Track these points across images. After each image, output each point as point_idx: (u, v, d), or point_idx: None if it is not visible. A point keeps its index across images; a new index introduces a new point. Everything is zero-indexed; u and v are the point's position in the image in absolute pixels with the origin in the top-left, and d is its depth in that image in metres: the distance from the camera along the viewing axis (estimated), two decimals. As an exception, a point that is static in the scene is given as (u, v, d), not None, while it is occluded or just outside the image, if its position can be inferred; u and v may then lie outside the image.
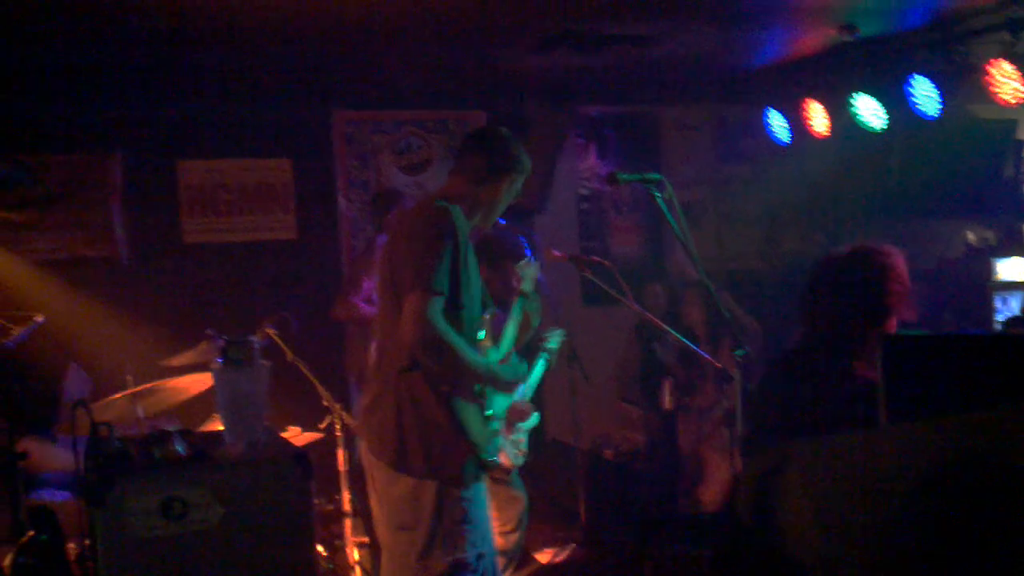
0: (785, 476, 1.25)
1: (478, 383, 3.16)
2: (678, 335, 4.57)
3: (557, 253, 4.80)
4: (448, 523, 3.05)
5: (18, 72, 5.38)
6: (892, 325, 2.76)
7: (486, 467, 3.15)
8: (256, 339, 3.07)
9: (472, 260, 3.15)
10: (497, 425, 3.27)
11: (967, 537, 1.12)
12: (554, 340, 4.75)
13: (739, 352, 4.01)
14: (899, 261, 2.81)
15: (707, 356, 4.68)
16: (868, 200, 6.51)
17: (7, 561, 3.22)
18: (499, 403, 3.29)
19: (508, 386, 3.31)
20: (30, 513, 3.43)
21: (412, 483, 3.05)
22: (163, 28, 4.61)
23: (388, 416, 3.07)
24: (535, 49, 5.32)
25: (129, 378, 4.67)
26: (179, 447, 2.80)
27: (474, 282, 3.17)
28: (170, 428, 2.89)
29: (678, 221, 3.63)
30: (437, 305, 2.95)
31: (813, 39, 5.43)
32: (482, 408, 3.17)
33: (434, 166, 6.90)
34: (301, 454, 2.78)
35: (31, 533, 3.26)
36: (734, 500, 1.31)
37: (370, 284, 5.53)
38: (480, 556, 3.12)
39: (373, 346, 3.30)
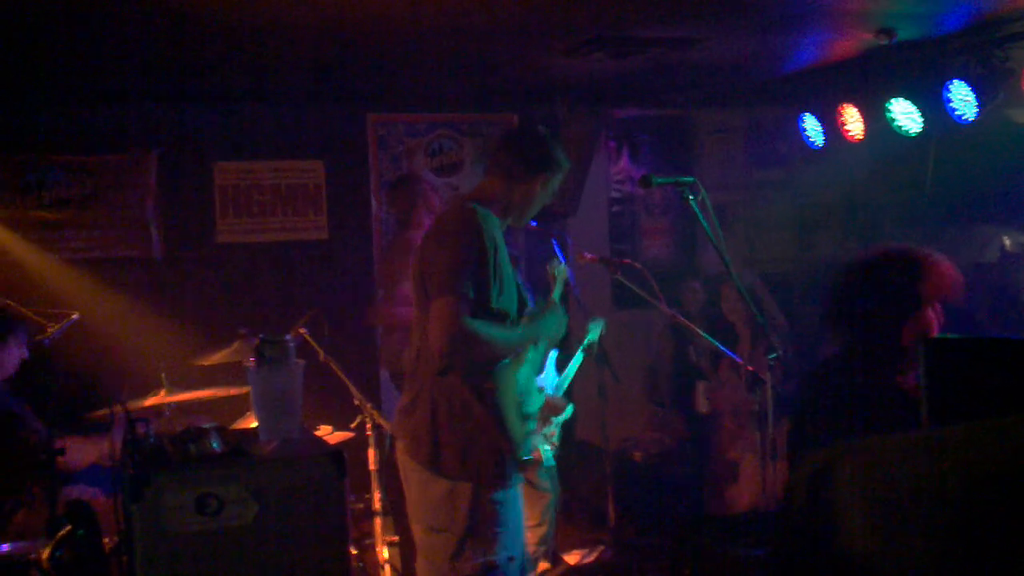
0: (836, 475, 1.25)
1: (524, 350, 3.16)
2: (709, 337, 4.57)
3: (588, 255, 4.80)
4: (480, 525, 3.05)
5: (57, 73, 5.45)
6: (925, 324, 2.71)
7: (522, 467, 3.15)
8: (291, 338, 3.09)
9: (505, 260, 3.13)
10: (533, 424, 3.28)
11: (1016, 543, 1.11)
12: (595, 331, 4.74)
13: (771, 355, 4.00)
14: (940, 263, 2.76)
15: (739, 359, 4.67)
16: (902, 205, 6.46)
17: (45, 554, 3.26)
18: (535, 401, 3.29)
19: (555, 336, 3.32)
20: (67, 508, 3.47)
21: (447, 485, 3.06)
22: (199, 31, 4.65)
23: (423, 418, 3.08)
24: (569, 53, 5.32)
25: (163, 376, 4.72)
26: (215, 444, 2.82)
27: (509, 283, 3.15)
28: (206, 425, 2.91)
29: (711, 224, 3.63)
30: (463, 309, 2.94)
31: (850, 43, 5.39)
32: (520, 407, 3.16)
33: (466, 168, 6.93)
34: (336, 452, 2.80)
35: (68, 527, 3.30)
36: (788, 498, 1.31)
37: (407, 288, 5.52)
38: (510, 559, 3.12)
39: (411, 347, 3.32)
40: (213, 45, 4.97)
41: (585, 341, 4.70)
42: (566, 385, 4.62)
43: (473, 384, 3.03)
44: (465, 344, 2.93)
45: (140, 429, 3.01)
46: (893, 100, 5.55)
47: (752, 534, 1.43)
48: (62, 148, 6.20)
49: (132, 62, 5.27)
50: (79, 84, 5.73)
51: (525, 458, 3.12)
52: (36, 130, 6.11)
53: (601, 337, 4.77)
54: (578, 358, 4.70)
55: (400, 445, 3.23)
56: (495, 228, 3.08)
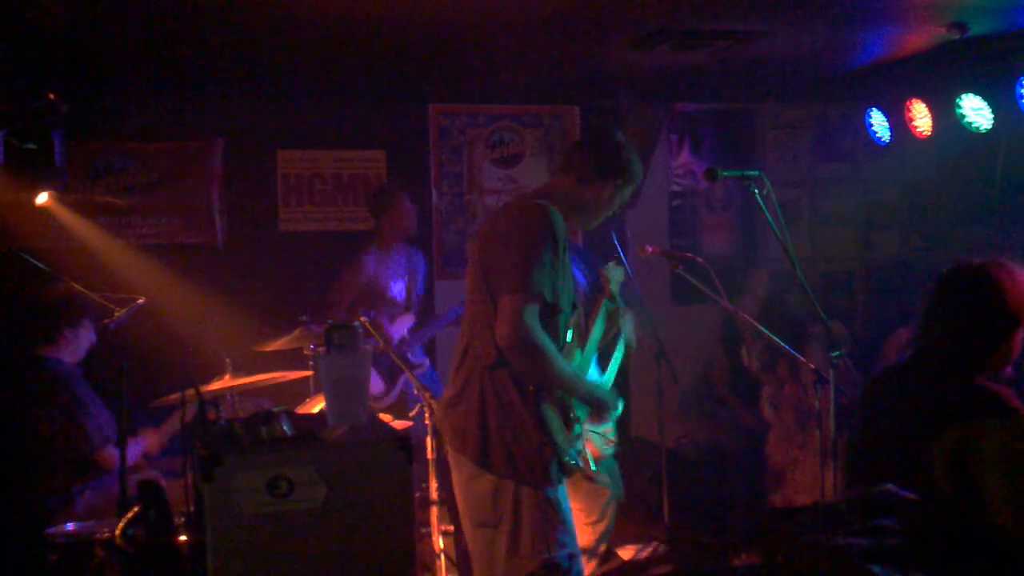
0: (980, 450, 1.25)
1: (562, 391, 3.14)
2: (769, 333, 4.52)
3: (650, 249, 4.77)
4: (531, 522, 3.05)
5: (127, 62, 5.55)
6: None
7: (567, 470, 3.14)
8: (359, 325, 3.12)
9: (567, 261, 3.13)
10: (580, 429, 3.26)
11: None
12: (625, 325, 4.71)
13: (835, 353, 3.95)
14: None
15: (801, 358, 4.62)
16: (970, 203, 6.35)
17: (116, 533, 3.33)
18: (583, 405, 3.29)
19: (587, 401, 3.26)
20: (138, 487, 3.53)
21: (493, 481, 3.07)
22: (265, 25, 4.71)
23: (471, 412, 3.10)
24: (634, 45, 5.30)
25: (228, 361, 4.79)
26: (286, 427, 2.86)
27: (567, 284, 3.16)
28: (276, 408, 2.95)
29: (776, 219, 3.60)
30: (534, 309, 2.95)
31: (921, 38, 5.30)
32: (567, 410, 3.16)
33: (526, 160, 6.93)
34: (403, 438, 2.81)
35: (139, 507, 3.36)
36: (933, 467, 1.31)
37: (342, 298, 5.68)
38: (572, 556, 3.12)
39: (460, 341, 3.33)
40: (281, 39, 5.03)
41: (621, 336, 4.68)
42: (611, 381, 4.60)
43: (520, 385, 3.04)
44: (529, 346, 2.95)
45: (211, 411, 3.06)
46: (963, 96, 5.46)
47: (844, 523, 1.42)
48: (129, 134, 6.31)
49: (197, 53, 5.34)
50: (146, 72, 5.82)
51: (572, 462, 3.12)
52: (105, 117, 6.22)
53: (634, 329, 4.74)
54: (619, 354, 4.68)
55: (447, 439, 3.25)
56: (564, 228, 3.07)
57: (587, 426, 3.38)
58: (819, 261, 6.94)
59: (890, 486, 1.43)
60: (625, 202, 3.41)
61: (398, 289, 5.81)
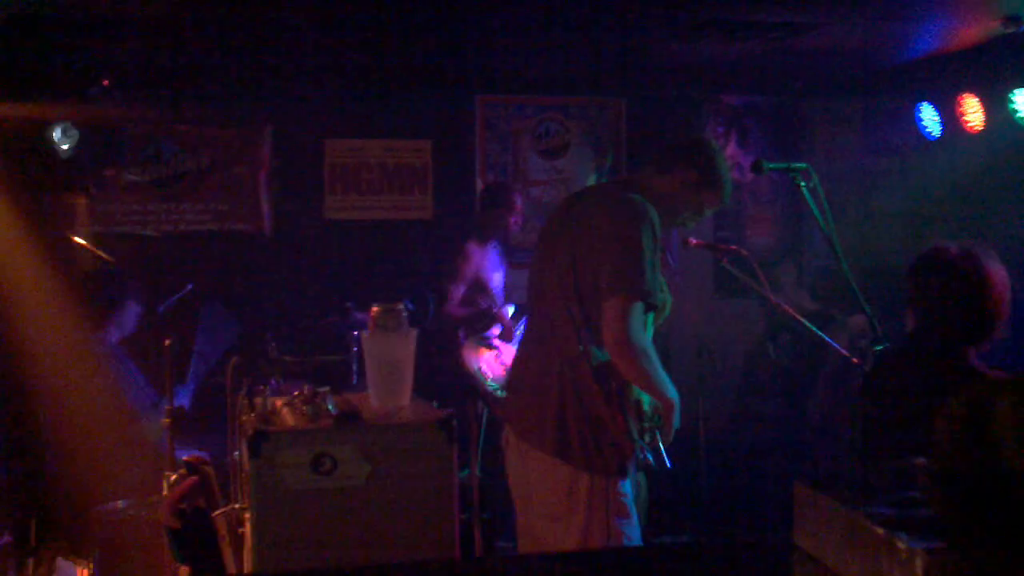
0: (995, 410, 1.25)
1: (649, 394, 3.13)
2: (813, 327, 4.49)
3: (694, 241, 4.75)
4: (603, 516, 3.06)
5: (179, 50, 5.63)
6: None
7: (641, 465, 3.15)
8: (404, 307, 3.15)
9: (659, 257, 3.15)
10: (655, 422, 3.24)
11: None
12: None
13: (877, 347, 3.92)
14: (998, 275, 2.79)
15: (840, 348, 4.58)
16: (1019, 201, 6.25)
17: (162, 511, 3.40)
18: (650, 400, 3.30)
19: (664, 406, 3.19)
20: (183, 465, 3.60)
21: (569, 474, 3.08)
22: (312, 17, 4.76)
23: (549, 405, 3.10)
24: (681, 36, 5.28)
25: (273, 345, 4.86)
26: (330, 406, 2.90)
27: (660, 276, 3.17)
28: (321, 388, 2.99)
29: (823, 212, 3.58)
30: (640, 308, 2.97)
31: (974, 31, 5.23)
32: (640, 406, 3.17)
33: (571, 151, 6.94)
34: (446, 419, 2.85)
35: (186, 484, 3.42)
36: (948, 420, 1.32)
37: (458, 290, 5.68)
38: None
39: (533, 332, 3.35)
40: (330, 28, 5.08)
41: None
42: None
43: (599, 379, 3.04)
44: (637, 351, 2.96)
45: (259, 389, 3.11)
46: (1016, 91, 5.39)
47: (871, 495, 1.44)
48: (180, 121, 6.40)
49: (247, 42, 5.41)
50: (198, 60, 5.90)
51: (646, 458, 3.11)
52: (156, 104, 6.32)
53: None
54: None
55: (516, 430, 3.25)
56: (659, 221, 3.07)
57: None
58: (867, 256, 6.86)
59: (922, 460, 1.43)
60: (715, 206, 3.37)
61: (498, 280, 5.86)
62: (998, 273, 2.80)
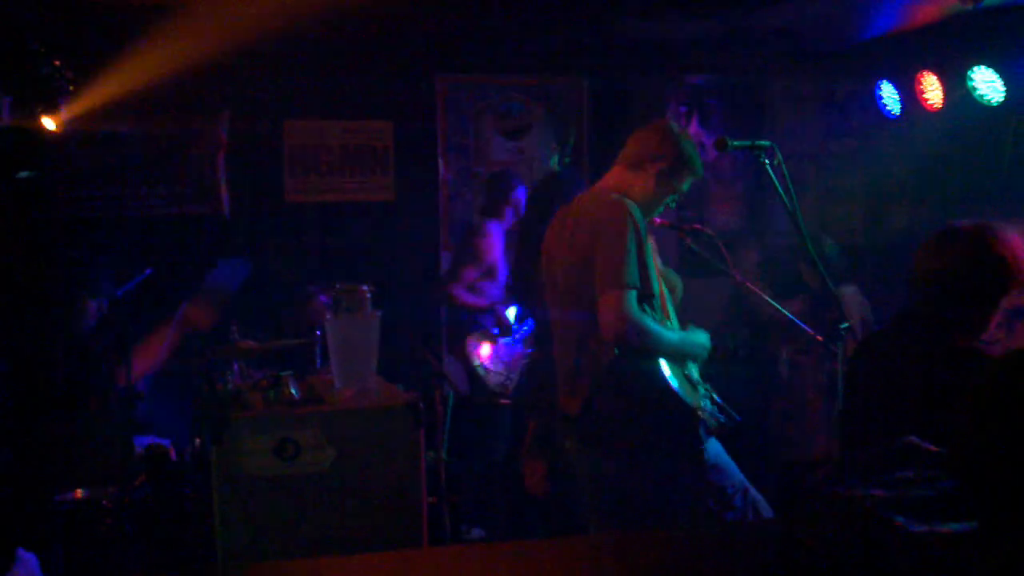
0: (1019, 381, 1.25)
1: (674, 359, 3.23)
2: (778, 306, 4.50)
3: (658, 220, 4.75)
4: (702, 486, 3.15)
5: (133, 31, 5.51)
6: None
7: (712, 430, 3.21)
8: (367, 288, 3.11)
9: (648, 246, 3.23)
10: (702, 389, 3.30)
11: None
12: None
13: (843, 326, 3.93)
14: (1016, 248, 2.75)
15: (810, 330, 4.60)
16: (979, 178, 6.31)
17: (123, 500, 3.34)
18: (694, 367, 3.37)
19: (696, 358, 3.37)
20: (144, 453, 3.54)
21: (651, 468, 3.12)
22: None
23: (611, 414, 3.15)
24: (642, 14, 5.26)
25: (234, 329, 4.80)
26: (293, 390, 2.86)
27: (651, 266, 3.25)
28: (283, 372, 2.95)
29: (787, 190, 3.58)
30: (632, 299, 3.07)
31: (933, 8, 5.26)
32: (686, 374, 3.25)
33: (534, 131, 6.89)
34: (413, 402, 2.82)
35: (144, 473, 3.37)
36: (975, 392, 1.31)
37: (473, 273, 5.63)
38: (744, 491, 3.26)
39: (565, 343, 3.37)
40: (286, 7, 5.00)
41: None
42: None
43: (640, 371, 3.12)
44: (635, 333, 3.06)
45: (220, 375, 3.06)
46: (975, 68, 5.41)
47: (864, 476, 1.41)
48: (136, 105, 6.27)
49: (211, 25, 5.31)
50: (156, 43, 5.78)
51: (715, 421, 3.16)
52: (110, 87, 6.18)
53: None
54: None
55: (578, 446, 3.26)
56: (641, 217, 3.19)
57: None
58: (828, 235, 6.90)
59: (912, 438, 1.42)
60: (685, 188, 3.45)
61: (502, 264, 5.84)
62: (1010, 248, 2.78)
